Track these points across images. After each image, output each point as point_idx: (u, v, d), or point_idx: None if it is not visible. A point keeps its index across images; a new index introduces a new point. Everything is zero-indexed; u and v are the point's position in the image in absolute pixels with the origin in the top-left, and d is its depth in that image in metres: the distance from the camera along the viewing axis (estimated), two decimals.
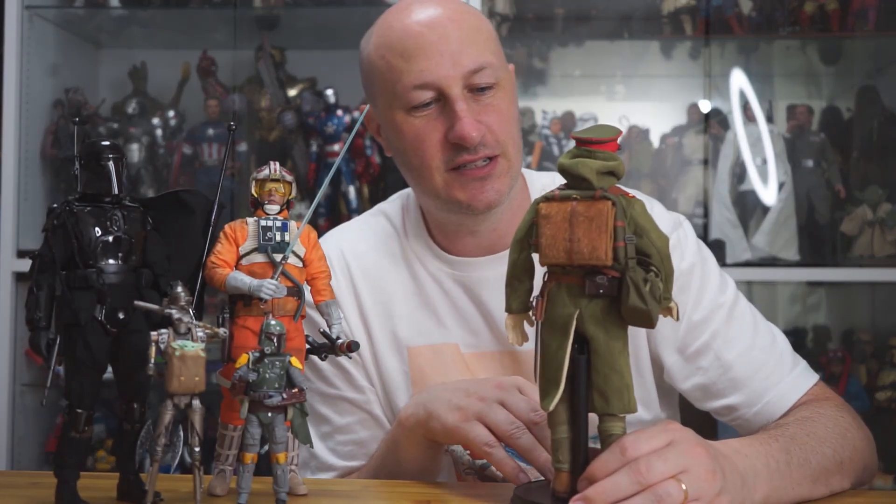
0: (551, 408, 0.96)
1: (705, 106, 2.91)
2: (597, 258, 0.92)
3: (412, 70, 1.32)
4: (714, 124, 2.89)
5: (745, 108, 2.84)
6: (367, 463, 1.41)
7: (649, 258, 0.94)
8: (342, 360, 1.42)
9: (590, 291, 0.94)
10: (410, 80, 1.33)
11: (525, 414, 1.15)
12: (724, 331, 1.38)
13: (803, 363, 1.41)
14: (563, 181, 0.99)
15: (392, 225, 1.52)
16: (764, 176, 2.80)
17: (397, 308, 1.45)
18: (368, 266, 1.48)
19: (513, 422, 1.14)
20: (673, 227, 1.42)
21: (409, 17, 1.36)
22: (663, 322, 1.05)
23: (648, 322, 0.93)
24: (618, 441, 0.96)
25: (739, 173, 2.83)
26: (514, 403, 1.16)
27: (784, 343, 1.42)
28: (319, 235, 1.12)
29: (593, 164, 0.95)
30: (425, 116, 1.34)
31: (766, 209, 2.79)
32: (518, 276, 1.01)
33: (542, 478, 1.12)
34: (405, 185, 1.56)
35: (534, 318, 1.00)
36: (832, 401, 1.36)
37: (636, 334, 1.37)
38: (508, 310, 1.03)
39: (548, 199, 0.97)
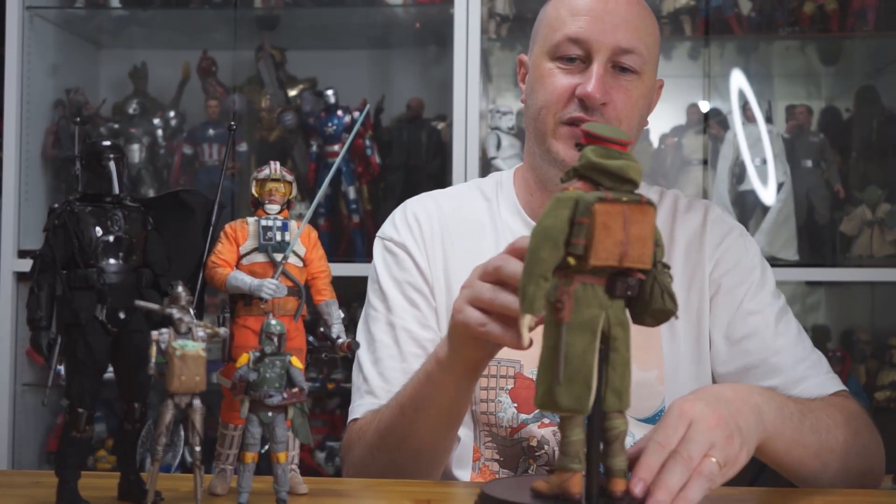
0: (590, 410, 0.96)
1: (705, 106, 2.91)
2: (644, 262, 0.95)
3: (573, 24, 1.44)
4: (713, 124, 2.89)
5: (745, 108, 2.84)
6: (400, 391, 1.39)
7: (660, 261, 0.97)
8: (416, 297, 1.50)
9: (619, 293, 0.95)
10: (568, 31, 1.44)
11: (495, 274, 1.13)
12: (773, 323, 1.48)
13: (836, 375, 1.50)
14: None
15: (485, 197, 1.59)
16: (763, 176, 2.80)
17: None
18: (460, 226, 1.54)
19: (491, 288, 1.13)
20: (741, 231, 1.56)
21: None
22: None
23: (666, 320, 0.98)
24: (652, 439, 1.03)
25: (739, 173, 2.83)
26: (487, 271, 1.15)
27: (822, 355, 1.52)
28: (319, 236, 1.12)
29: (638, 167, 0.97)
30: (566, 70, 1.45)
31: (765, 209, 2.79)
32: (546, 275, 0.98)
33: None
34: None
35: (554, 319, 0.99)
36: (858, 406, 1.43)
37: (702, 320, 1.48)
38: (531, 310, 0.97)
39: (602, 200, 0.96)
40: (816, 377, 1.45)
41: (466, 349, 1.19)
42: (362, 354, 1.50)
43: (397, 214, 1.59)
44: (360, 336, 1.53)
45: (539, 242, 0.96)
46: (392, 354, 1.48)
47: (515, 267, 1.09)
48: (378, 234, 1.59)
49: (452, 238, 1.53)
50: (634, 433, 1.41)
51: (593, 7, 1.44)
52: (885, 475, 2.67)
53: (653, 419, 1.43)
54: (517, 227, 1.53)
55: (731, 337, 1.47)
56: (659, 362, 1.45)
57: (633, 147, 1.35)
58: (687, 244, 1.51)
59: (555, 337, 0.97)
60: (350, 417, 1.48)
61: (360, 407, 1.46)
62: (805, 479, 1.29)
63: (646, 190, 1.58)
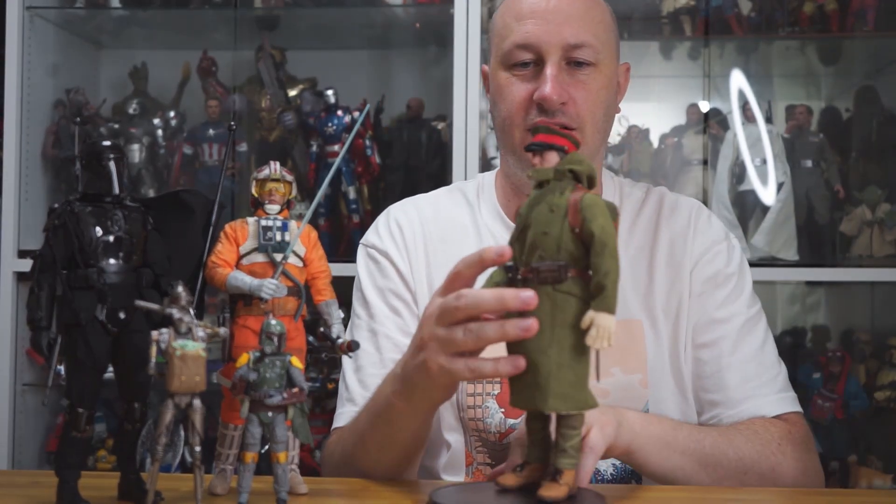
0: None
1: (705, 106, 2.91)
2: None
3: (520, 29, 1.44)
4: (713, 124, 2.89)
5: (745, 108, 2.84)
6: (364, 406, 1.37)
7: None
8: (398, 305, 1.50)
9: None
10: (516, 38, 1.44)
11: (454, 310, 1.05)
12: (734, 336, 1.46)
13: (793, 394, 1.47)
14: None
15: (467, 200, 1.59)
16: (763, 176, 2.80)
17: None
18: (443, 231, 1.54)
19: (463, 330, 1.04)
20: (726, 235, 1.55)
21: None
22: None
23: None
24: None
25: (739, 173, 2.83)
26: (446, 308, 1.06)
27: (783, 372, 1.49)
28: (319, 236, 1.13)
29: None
30: (521, 76, 1.44)
31: (765, 209, 2.79)
32: None
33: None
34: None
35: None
36: (794, 430, 1.40)
37: (680, 320, 1.47)
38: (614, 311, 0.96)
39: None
40: (762, 398, 1.42)
41: (436, 391, 1.15)
42: (345, 362, 1.50)
43: (380, 221, 1.59)
44: None
45: (618, 249, 0.96)
46: (373, 362, 1.48)
47: (475, 297, 1.02)
48: (361, 241, 1.59)
49: (435, 244, 1.53)
50: None
51: (536, 9, 1.43)
52: (884, 475, 2.67)
53: None
54: (499, 230, 1.52)
55: (695, 341, 1.47)
56: (642, 365, 1.45)
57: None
58: (670, 243, 1.50)
59: (577, 336, 0.97)
60: (334, 425, 1.49)
61: (342, 416, 1.47)
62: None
63: (631, 188, 1.58)
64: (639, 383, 1.44)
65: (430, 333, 1.08)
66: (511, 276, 1.01)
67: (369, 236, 1.58)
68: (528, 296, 0.97)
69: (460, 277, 1.08)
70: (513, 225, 1.47)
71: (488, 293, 1.01)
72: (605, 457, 1.18)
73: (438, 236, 1.54)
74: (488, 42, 1.54)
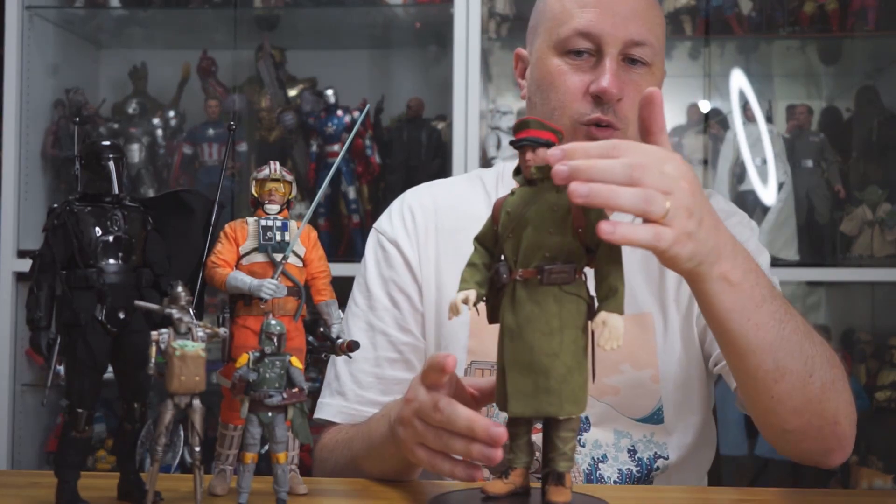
0: None
1: (705, 106, 2.91)
2: None
3: (583, 17, 1.39)
4: (714, 124, 2.89)
5: (745, 108, 2.84)
6: (360, 429, 1.37)
7: None
8: (400, 298, 1.48)
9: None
10: (578, 24, 1.39)
11: (431, 417, 1.06)
12: None
13: None
14: None
15: (486, 189, 1.55)
16: (763, 176, 2.80)
17: None
18: (458, 220, 1.50)
19: (436, 434, 1.06)
20: (742, 217, 1.54)
21: None
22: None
23: None
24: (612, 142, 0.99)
25: (739, 173, 2.83)
26: (426, 412, 1.07)
27: None
28: (319, 236, 1.12)
29: None
30: (576, 64, 1.40)
31: (765, 209, 2.79)
32: None
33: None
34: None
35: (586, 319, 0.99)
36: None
37: (692, 309, 1.43)
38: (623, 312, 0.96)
39: None
40: None
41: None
42: None
43: (394, 207, 1.57)
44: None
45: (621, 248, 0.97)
46: (367, 357, 1.47)
47: (449, 416, 1.03)
48: (375, 224, 1.57)
49: (447, 234, 1.51)
50: (632, 434, 1.41)
51: None
52: (885, 475, 2.67)
53: (650, 418, 1.42)
54: None
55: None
56: (653, 360, 1.42)
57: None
58: None
59: (586, 338, 0.97)
60: (318, 414, 1.47)
61: (329, 407, 1.47)
62: (750, 378, 1.15)
63: None
64: (650, 379, 1.41)
65: (408, 417, 1.09)
66: (498, 277, 0.98)
67: (382, 222, 1.56)
68: (497, 433, 0.98)
69: (429, 375, 1.07)
70: None
71: (462, 417, 1.02)
72: (672, 265, 1.03)
73: (452, 226, 1.51)
74: (535, 24, 1.48)
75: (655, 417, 1.42)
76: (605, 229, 0.92)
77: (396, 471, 1.25)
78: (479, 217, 1.52)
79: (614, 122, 1.38)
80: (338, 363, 1.48)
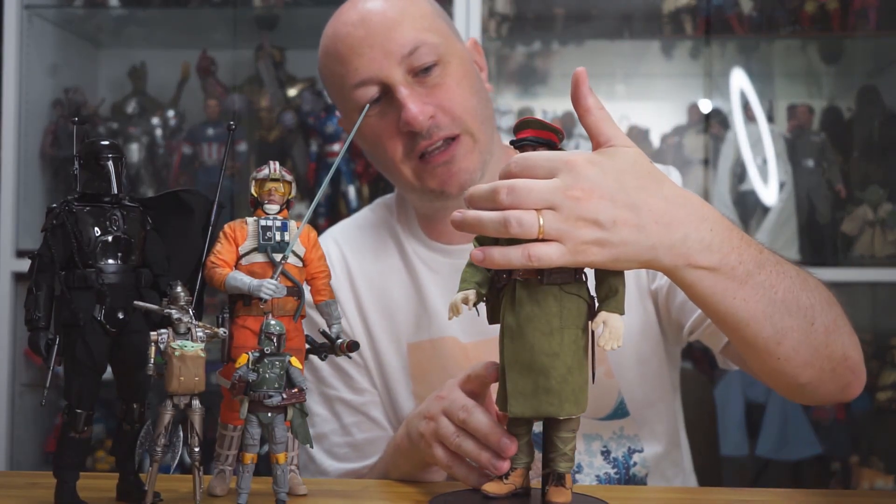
0: None
1: (706, 106, 2.91)
2: None
3: (349, 71, 1.35)
4: (714, 124, 2.89)
5: (746, 107, 2.84)
6: (373, 464, 1.41)
7: None
8: (342, 361, 1.44)
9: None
10: (350, 81, 1.35)
11: (455, 414, 1.11)
12: None
13: None
14: None
15: (391, 217, 1.53)
16: (764, 176, 2.80)
17: (395, 305, 1.46)
18: (367, 264, 1.49)
19: (454, 432, 1.11)
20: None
21: (338, 21, 1.38)
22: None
23: None
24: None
25: (740, 173, 2.83)
26: (453, 410, 1.12)
27: None
28: (319, 235, 1.12)
29: None
30: (377, 113, 1.36)
31: (766, 209, 2.79)
32: None
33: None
34: None
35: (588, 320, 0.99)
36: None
37: (643, 288, 1.40)
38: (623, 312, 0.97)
39: None
40: None
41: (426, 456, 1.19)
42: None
43: None
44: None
45: None
46: (333, 429, 1.47)
47: (475, 424, 1.07)
48: None
49: (361, 277, 1.49)
50: (601, 434, 1.40)
51: (352, 43, 1.34)
52: (885, 475, 2.67)
53: (615, 414, 1.40)
54: (420, 248, 1.49)
55: (661, 282, 1.40)
56: (602, 356, 1.38)
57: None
58: None
59: (586, 338, 0.97)
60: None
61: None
62: (751, 347, 1.09)
63: None
64: (603, 375, 1.39)
65: (435, 412, 1.14)
66: (498, 277, 0.98)
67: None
68: (507, 444, 1.01)
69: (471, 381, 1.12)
70: (434, 244, 1.45)
71: (483, 422, 1.06)
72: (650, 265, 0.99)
73: (363, 268, 1.49)
74: (330, 95, 1.45)
75: (620, 412, 1.40)
76: (476, 256, 0.94)
77: (410, 473, 1.26)
78: (387, 248, 1.47)
79: (444, 134, 1.34)
80: (314, 449, 1.46)
